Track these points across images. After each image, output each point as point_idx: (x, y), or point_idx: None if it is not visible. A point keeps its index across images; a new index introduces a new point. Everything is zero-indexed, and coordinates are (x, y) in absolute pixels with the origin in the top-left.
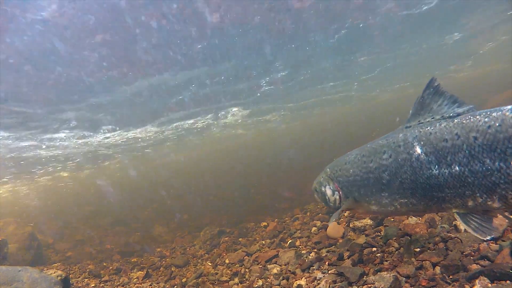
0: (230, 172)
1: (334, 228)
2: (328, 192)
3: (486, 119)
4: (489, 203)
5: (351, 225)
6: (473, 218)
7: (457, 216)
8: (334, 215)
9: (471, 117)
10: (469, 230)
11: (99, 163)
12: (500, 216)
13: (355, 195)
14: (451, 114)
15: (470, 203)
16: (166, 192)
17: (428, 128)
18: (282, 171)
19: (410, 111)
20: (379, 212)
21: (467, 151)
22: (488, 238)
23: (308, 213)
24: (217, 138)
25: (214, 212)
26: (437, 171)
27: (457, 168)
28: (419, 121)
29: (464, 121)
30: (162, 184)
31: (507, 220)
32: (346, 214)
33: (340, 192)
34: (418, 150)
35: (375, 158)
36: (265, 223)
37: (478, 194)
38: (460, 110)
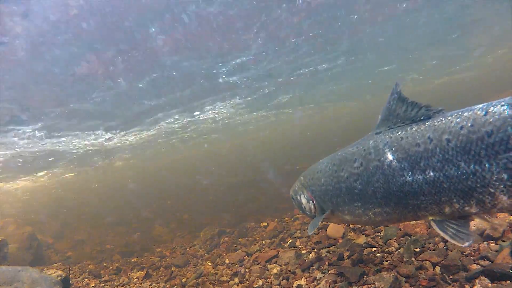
0: (230, 171)
1: (334, 228)
2: (303, 200)
3: (457, 120)
4: (467, 208)
5: (351, 225)
6: (450, 225)
7: (433, 223)
8: (311, 225)
9: (443, 119)
10: (447, 237)
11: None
12: (500, 216)
13: (329, 205)
14: (422, 117)
15: (447, 209)
16: (166, 192)
17: (399, 133)
18: (283, 171)
19: (379, 116)
20: (354, 222)
21: (440, 155)
22: (466, 244)
23: None
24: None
25: (214, 212)
26: (411, 178)
27: (431, 173)
28: (389, 126)
29: (435, 123)
30: (160, 185)
31: (507, 220)
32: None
33: (314, 201)
34: (390, 157)
35: (346, 167)
36: (265, 223)
37: (455, 200)
38: (430, 112)
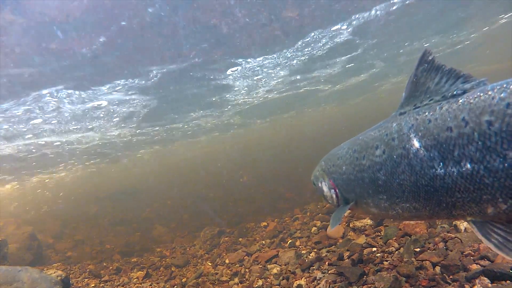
0: (230, 171)
1: (334, 228)
2: (324, 188)
3: (502, 95)
4: None
5: (351, 225)
6: (495, 230)
7: (473, 226)
8: (334, 218)
9: (481, 94)
10: (491, 246)
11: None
12: None
13: (351, 195)
14: (455, 92)
15: (490, 210)
16: (165, 193)
17: (426, 113)
18: (284, 170)
19: (403, 93)
20: (381, 216)
21: (480, 142)
22: None
23: (308, 213)
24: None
25: (214, 212)
26: (442, 170)
27: (468, 165)
28: (415, 105)
29: (471, 101)
30: (157, 184)
31: None
32: (346, 214)
33: (336, 190)
34: (416, 143)
35: (367, 154)
36: (265, 223)
37: (500, 200)
38: (467, 85)
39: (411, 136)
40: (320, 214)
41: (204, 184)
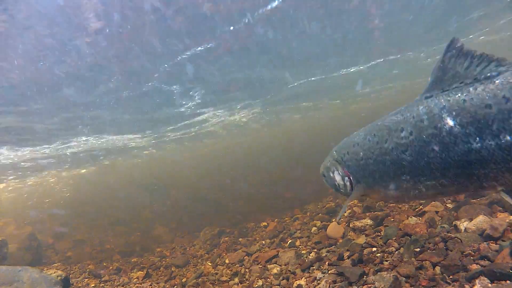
0: (229, 171)
1: (334, 228)
2: (337, 177)
3: None
4: None
5: (351, 225)
6: None
7: (505, 195)
8: (343, 209)
9: None
10: None
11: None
12: (500, 216)
13: (369, 181)
14: (488, 74)
15: None
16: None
17: (460, 94)
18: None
19: (429, 78)
20: (398, 198)
21: None
22: None
23: (308, 213)
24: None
25: (214, 212)
26: (479, 144)
27: (508, 137)
28: (442, 88)
29: (511, 80)
30: (157, 185)
31: (507, 220)
32: (345, 214)
33: (351, 177)
34: (450, 122)
35: (390, 137)
36: (265, 223)
37: None
38: (502, 68)
39: (444, 115)
40: (320, 214)
41: (204, 184)
